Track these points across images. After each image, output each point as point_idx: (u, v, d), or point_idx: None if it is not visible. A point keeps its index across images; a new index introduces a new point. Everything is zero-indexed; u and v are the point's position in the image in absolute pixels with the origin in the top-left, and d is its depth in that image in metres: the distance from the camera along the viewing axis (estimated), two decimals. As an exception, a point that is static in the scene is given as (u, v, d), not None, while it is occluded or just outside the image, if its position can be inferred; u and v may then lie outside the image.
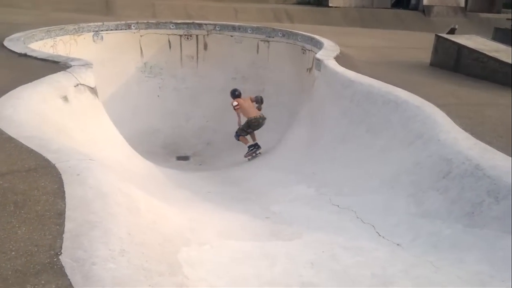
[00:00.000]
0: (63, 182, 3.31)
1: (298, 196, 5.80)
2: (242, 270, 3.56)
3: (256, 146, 8.96)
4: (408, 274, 3.57)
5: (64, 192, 3.19)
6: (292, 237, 4.45)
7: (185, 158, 9.69)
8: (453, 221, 4.08)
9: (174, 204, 4.80)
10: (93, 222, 2.90)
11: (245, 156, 8.93)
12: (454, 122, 5.40)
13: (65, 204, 3.04)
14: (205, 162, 9.49)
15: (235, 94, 9.41)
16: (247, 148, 8.99)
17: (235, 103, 9.10)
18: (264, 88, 11.35)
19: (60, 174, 3.43)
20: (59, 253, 2.55)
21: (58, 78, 6.03)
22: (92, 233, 2.79)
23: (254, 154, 8.90)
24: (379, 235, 4.30)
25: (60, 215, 2.93)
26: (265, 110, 10.96)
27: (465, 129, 5.19)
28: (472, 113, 5.91)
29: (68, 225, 2.82)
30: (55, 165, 3.57)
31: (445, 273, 3.50)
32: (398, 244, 4.07)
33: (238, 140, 9.12)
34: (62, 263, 2.48)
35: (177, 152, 9.92)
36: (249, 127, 8.97)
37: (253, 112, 9.00)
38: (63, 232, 2.76)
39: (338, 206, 5.16)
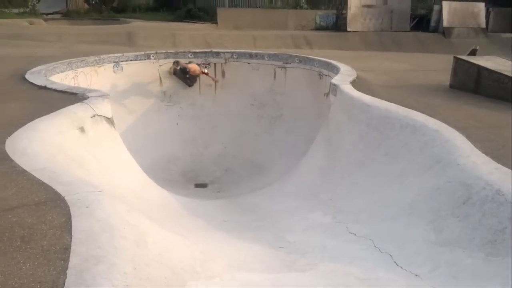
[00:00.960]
0: (71, 215, 3.31)
1: (313, 224, 5.67)
2: (251, 304, 3.46)
3: None
4: (426, 307, 3.41)
5: (71, 225, 3.18)
6: (306, 268, 4.32)
7: (203, 185, 9.67)
8: (474, 250, 3.91)
9: (185, 234, 4.74)
10: (98, 256, 2.87)
11: None
12: (474, 145, 5.24)
13: (71, 238, 3.02)
14: (223, 189, 9.45)
15: None
16: None
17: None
18: (282, 113, 11.36)
19: (69, 207, 3.43)
20: (61, 290, 2.52)
21: (75, 110, 6.13)
22: (97, 268, 2.75)
23: None
24: (397, 265, 4.15)
25: (66, 249, 2.90)
26: (283, 135, 10.96)
27: (486, 153, 5.02)
28: (492, 135, 5.73)
29: (73, 260, 2.79)
30: (65, 197, 3.58)
31: (466, 306, 3.32)
32: (416, 275, 3.91)
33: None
34: (64, 301, 2.45)
35: (196, 180, 9.92)
36: None
37: None
38: (67, 267, 2.72)
39: (355, 234, 5.02)
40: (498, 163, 4.70)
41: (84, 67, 10.10)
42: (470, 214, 4.20)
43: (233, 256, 4.51)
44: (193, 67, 10.73)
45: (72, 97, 6.88)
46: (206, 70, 11.00)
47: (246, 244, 5.01)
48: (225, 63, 11.90)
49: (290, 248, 4.90)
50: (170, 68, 10.69)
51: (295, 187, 7.54)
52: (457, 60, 9.03)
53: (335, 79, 8.52)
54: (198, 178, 10.02)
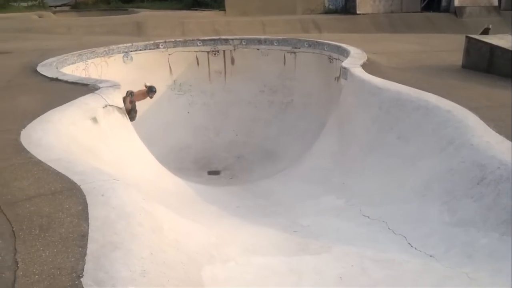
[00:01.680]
0: (87, 204, 3.36)
1: (327, 208, 5.69)
2: (267, 287, 3.49)
3: None
4: (442, 287, 3.41)
5: (87, 213, 3.23)
6: (321, 251, 4.35)
7: (216, 172, 9.72)
8: (489, 230, 3.89)
9: (200, 220, 4.79)
10: (115, 243, 2.92)
11: None
12: (488, 125, 5.19)
13: (88, 225, 3.08)
14: (236, 175, 9.49)
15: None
16: None
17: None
18: (293, 99, 11.33)
19: (85, 196, 3.48)
20: (81, 276, 2.58)
21: (87, 100, 6.18)
22: (114, 254, 2.80)
23: None
24: (411, 246, 4.15)
25: (83, 237, 2.96)
26: (294, 121, 10.93)
27: (499, 132, 4.97)
28: (506, 115, 5.65)
29: (91, 247, 2.84)
30: (80, 186, 3.63)
31: (481, 285, 3.33)
32: (431, 256, 3.91)
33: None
34: (83, 286, 2.50)
35: (208, 167, 9.97)
36: None
37: None
38: (85, 254, 2.78)
39: (368, 217, 5.02)
40: (512, 142, 4.65)
41: (94, 58, 10.16)
42: (485, 194, 4.17)
43: (248, 241, 4.55)
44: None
45: (84, 88, 6.94)
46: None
47: (260, 229, 5.05)
48: (234, 50, 11.86)
49: (304, 231, 4.93)
50: (126, 100, 7.69)
51: (307, 172, 7.54)
52: (469, 40, 8.88)
53: (346, 63, 8.46)
54: (211, 166, 10.08)
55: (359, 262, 3.98)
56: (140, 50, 11.17)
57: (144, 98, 8.63)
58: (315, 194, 6.32)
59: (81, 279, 2.54)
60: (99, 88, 6.84)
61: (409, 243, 4.20)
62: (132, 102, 7.92)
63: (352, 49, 9.66)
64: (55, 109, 5.72)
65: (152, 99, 11.02)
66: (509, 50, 7.93)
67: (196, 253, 3.57)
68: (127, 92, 7.80)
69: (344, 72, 8.09)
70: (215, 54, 11.77)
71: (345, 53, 9.62)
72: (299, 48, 11.40)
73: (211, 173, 9.70)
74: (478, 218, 4.06)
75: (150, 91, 8.63)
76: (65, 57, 9.47)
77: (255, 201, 6.74)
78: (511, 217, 3.82)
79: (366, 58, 8.97)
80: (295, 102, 11.22)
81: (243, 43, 11.89)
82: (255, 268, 3.82)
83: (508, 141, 4.68)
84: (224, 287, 3.24)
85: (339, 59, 9.81)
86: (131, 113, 7.66)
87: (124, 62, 10.87)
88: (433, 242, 4.08)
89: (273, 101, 11.56)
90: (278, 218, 5.53)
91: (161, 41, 11.56)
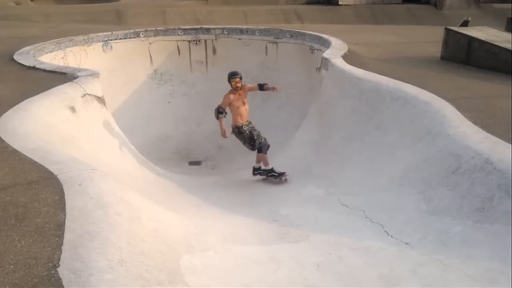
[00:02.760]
0: (64, 193, 3.34)
1: (307, 198, 5.75)
2: (246, 275, 3.53)
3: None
4: (416, 273, 3.49)
5: (64, 203, 3.21)
6: (299, 240, 4.40)
7: (197, 163, 9.69)
8: (463, 218, 3.99)
9: (180, 210, 4.80)
10: (92, 232, 2.91)
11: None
12: (464, 116, 5.29)
13: (65, 215, 3.06)
14: (217, 166, 9.48)
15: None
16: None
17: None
18: (275, 89, 11.32)
19: (62, 185, 3.46)
20: (57, 265, 2.56)
21: (65, 89, 6.09)
22: (91, 243, 2.79)
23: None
24: (388, 234, 4.23)
25: (60, 226, 2.94)
26: (276, 111, 10.93)
27: (475, 123, 5.08)
28: (482, 106, 5.77)
29: (67, 237, 2.83)
30: (57, 176, 3.60)
31: (454, 271, 3.41)
32: (406, 243, 3.99)
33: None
34: (60, 275, 2.49)
35: (190, 158, 9.93)
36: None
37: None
38: (62, 243, 2.77)
39: (347, 206, 5.09)
40: (487, 132, 4.75)
41: (73, 46, 9.98)
42: (460, 183, 4.26)
43: (228, 230, 4.57)
44: None
45: (62, 77, 6.83)
46: None
47: (241, 219, 5.07)
48: (215, 39, 11.78)
49: (283, 221, 4.98)
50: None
51: (288, 162, 7.58)
52: (448, 32, 9.00)
53: (327, 53, 8.49)
54: (192, 156, 10.04)
55: (336, 250, 4.04)
56: (120, 39, 11.01)
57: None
58: (296, 183, 6.37)
59: (57, 269, 2.53)
60: (78, 77, 6.75)
61: (385, 231, 4.27)
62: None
63: (333, 40, 9.69)
64: (32, 98, 5.63)
65: (132, 89, 10.98)
66: (486, 42, 8.07)
67: (175, 242, 3.58)
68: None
69: (325, 62, 8.13)
70: (196, 44, 11.68)
71: (326, 44, 9.65)
72: (281, 38, 11.38)
73: (192, 163, 9.66)
74: (453, 206, 4.15)
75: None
76: (42, 45, 9.29)
77: (236, 191, 6.75)
78: (484, 205, 3.92)
79: (347, 49, 9.02)
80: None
81: (225, 32, 11.81)
82: (234, 256, 3.84)
83: (483, 131, 4.78)
84: (203, 276, 3.26)
85: (320, 49, 9.83)
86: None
87: (103, 51, 10.70)
88: (409, 230, 4.16)
89: (255, 92, 11.50)
90: (258, 207, 5.56)
91: (141, 30, 11.41)
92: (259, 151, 6.93)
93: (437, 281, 3.34)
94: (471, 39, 8.38)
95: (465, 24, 10.74)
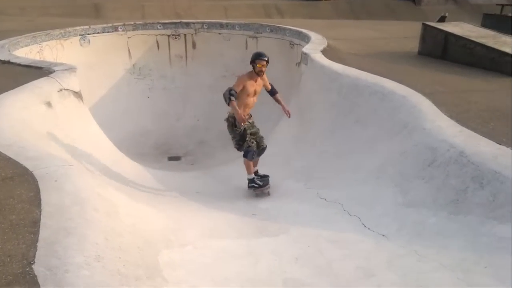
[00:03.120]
0: (39, 190, 3.29)
1: (286, 191, 5.78)
2: (224, 269, 3.54)
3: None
4: (392, 264, 3.56)
5: (40, 199, 3.17)
6: (278, 233, 4.43)
7: (176, 158, 9.65)
8: (438, 209, 4.07)
9: (159, 205, 4.78)
10: (68, 229, 2.88)
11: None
12: (440, 110, 5.38)
13: (40, 211, 3.02)
14: (197, 161, 9.46)
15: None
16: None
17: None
18: (255, 84, 11.32)
19: (37, 181, 3.41)
20: (32, 262, 2.53)
21: (41, 84, 5.98)
22: (67, 240, 2.77)
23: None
24: (365, 226, 4.29)
25: (35, 223, 2.90)
26: (256, 106, 10.91)
27: (451, 117, 5.17)
28: (458, 100, 5.88)
29: (43, 233, 2.79)
30: (33, 172, 3.55)
31: (429, 261, 3.48)
32: (383, 235, 4.06)
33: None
34: (35, 272, 2.46)
35: (169, 153, 9.88)
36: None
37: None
38: (37, 240, 2.73)
39: (325, 199, 5.14)
40: (462, 126, 4.85)
41: (49, 40, 9.79)
42: (435, 176, 4.35)
43: (207, 225, 4.57)
44: None
45: (38, 71, 6.70)
46: None
47: (220, 213, 5.08)
48: (195, 33, 11.70)
49: (263, 215, 5.01)
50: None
51: (268, 156, 7.59)
52: (425, 27, 9.13)
53: (306, 48, 8.52)
54: (171, 151, 9.98)
55: (315, 243, 4.08)
56: (98, 33, 10.84)
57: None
58: (275, 177, 6.38)
59: (33, 266, 2.50)
60: (54, 71, 6.62)
61: (363, 224, 4.34)
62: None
63: (313, 35, 9.73)
64: (6, 93, 5.51)
65: (111, 83, 10.83)
66: (462, 37, 8.21)
67: (153, 237, 3.57)
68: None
69: (305, 57, 8.16)
70: (176, 38, 11.59)
71: (306, 39, 9.68)
72: (261, 33, 11.37)
73: (171, 158, 9.61)
74: (429, 198, 4.24)
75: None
76: (18, 39, 9.08)
77: (216, 185, 6.75)
78: (458, 197, 4.01)
79: (326, 44, 9.06)
80: (257, 87, 11.22)
81: (205, 27, 11.74)
82: (213, 251, 3.85)
83: (458, 125, 4.88)
84: (181, 270, 3.26)
85: (300, 44, 9.86)
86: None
87: (81, 45, 10.53)
88: (386, 222, 4.23)
89: (235, 86, 11.51)
90: (238, 202, 5.58)
91: (120, 24, 11.25)
92: (244, 155, 5.97)
93: (413, 271, 3.41)
94: (447, 35, 8.51)
95: (442, 19, 10.94)
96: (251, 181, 5.98)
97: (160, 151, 9.89)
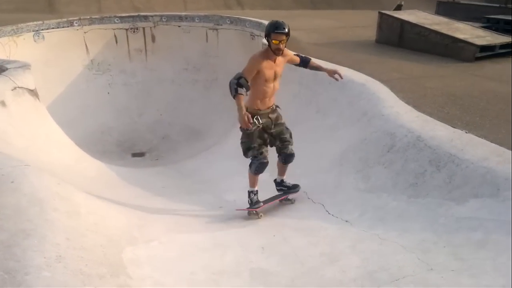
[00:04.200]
0: (-5, 192, 3.18)
1: (251, 182, 5.79)
2: (192, 263, 3.54)
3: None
4: (355, 249, 3.65)
5: (-4, 202, 3.06)
6: (245, 224, 4.46)
7: (140, 154, 9.50)
8: (398, 193, 4.20)
9: (123, 202, 4.71)
10: (27, 230, 2.80)
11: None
12: (398, 96, 5.53)
13: (-3, 214, 2.93)
14: (162, 156, 9.34)
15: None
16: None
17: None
18: (217, 77, 11.23)
19: (-8, 183, 3.29)
20: (-11, 267, 2.45)
21: (-7, 83, 5.76)
22: (26, 242, 2.69)
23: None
24: (329, 213, 4.37)
25: (-8, 226, 2.81)
26: (219, 99, 10.89)
27: (408, 103, 5.33)
28: (414, 86, 6.06)
29: (0, 236, 2.71)
30: (-13, 174, 3.42)
31: (390, 244, 3.59)
32: (346, 221, 4.15)
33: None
34: (-7, 276, 2.39)
35: (132, 149, 9.70)
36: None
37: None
38: (-6, 244, 2.65)
39: (290, 188, 5.19)
40: (419, 111, 5.01)
41: (1, 37, 9.40)
42: (394, 161, 4.48)
43: (173, 220, 4.55)
44: None
45: (-11, 69, 6.44)
46: None
47: (186, 207, 5.06)
48: (154, 27, 11.49)
49: (229, 207, 5.01)
50: None
51: (232, 149, 7.53)
52: (381, 15, 9.32)
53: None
54: (135, 148, 9.81)
55: (280, 232, 4.14)
56: (53, 28, 10.48)
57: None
58: (240, 170, 6.34)
59: (-10, 270, 2.42)
60: (7, 69, 6.38)
61: (327, 211, 4.42)
62: None
63: (273, 26, 9.73)
64: (-45, 93, 5.28)
65: (69, 80, 10.51)
66: (417, 24, 8.43)
67: (117, 235, 3.52)
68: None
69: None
70: (134, 32, 11.35)
71: (266, 30, 9.68)
72: (221, 25, 11.29)
73: (135, 155, 9.46)
74: (389, 183, 4.36)
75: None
76: (-34, 37, 8.70)
77: (181, 180, 6.70)
78: (417, 180, 4.14)
79: (286, 34, 9.09)
80: (219, 80, 11.12)
81: (164, 19, 11.55)
82: (179, 245, 3.83)
83: (415, 111, 5.03)
84: (147, 267, 3.23)
85: (260, 36, 9.84)
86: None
87: (35, 41, 10.16)
88: (348, 209, 4.33)
89: (197, 80, 11.40)
90: (204, 195, 5.56)
91: (75, 18, 10.91)
92: (250, 165, 4.80)
93: (375, 254, 3.50)
94: (403, 22, 8.73)
95: (398, 8, 11.19)
96: (248, 193, 4.80)
97: (123, 147, 9.71)
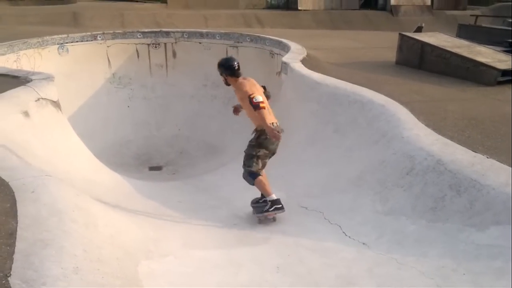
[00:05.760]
0: (16, 201, 3.22)
1: (267, 200, 5.77)
2: (205, 279, 3.52)
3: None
4: (372, 272, 3.59)
5: (16, 211, 3.10)
6: (260, 242, 4.43)
7: (158, 168, 9.57)
8: (417, 217, 4.13)
9: (139, 216, 4.73)
10: (45, 240, 2.82)
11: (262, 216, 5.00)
12: (418, 118, 5.48)
13: (17, 223, 2.96)
14: (179, 171, 9.39)
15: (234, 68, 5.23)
16: (263, 203, 4.98)
17: (259, 97, 4.84)
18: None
19: (13, 192, 3.34)
20: (8, 275, 2.47)
21: (18, 93, 5.89)
22: (44, 252, 2.71)
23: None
24: (346, 235, 4.32)
25: (11, 235, 2.84)
26: (237, 116, 10.94)
27: (428, 125, 5.28)
28: (435, 109, 6.00)
29: (19, 245, 2.73)
30: (9, 183, 3.48)
31: (409, 269, 3.53)
32: (364, 243, 4.09)
33: (254, 184, 5.05)
34: (11, 285, 2.40)
35: (150, 163, 9.79)
36: (268, 149, 5.08)
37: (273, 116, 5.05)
38: (13, 252, 2.67)
39: (306, 208, 5.16)
40: (439, 134, 4.95)
41: (26, 49, 9.65)
42: (414, 184, 4.42)
43: (188, 235, 4.54)
44: None
45: (14, 80, 6.60)
46: None
47: (201, 223, 5.05)
48: (175, 42, 11.69)
49: (243, 224, 4.99)
50: None
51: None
52: (402, 37, 9.31)
53: (286, 58, 8.59)
54: (152, 161, 9.90)
55: (296, 252, 4.09)
56: (77, 41, 10.74)
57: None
58: (255, 187, 6.40)
59: (9, 279, 2.44)
60: (31, 80, 6.53)
61: (343, 232, 4.37)
62: None
63: (293, 45, 9.81)
64: (-18, 102, 5.41)
65: (90, 93, 10.70)
66: (438, 47, 8.40)
67: (133, 248, 3.53)
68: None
69: (285, 67, 8.22)
70: (156, 47, 11.55)
71: (285, 48, 9.76)
72: (241, 42, 11.42)
73: (152, 168, 9.53)
74: (407, 206, 4.30)
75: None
76: (-6, 48, 8.95)
77: (197, 195, 6.71)
78: (437, 204, 4.08)
79: (306, 53, 9.15)
80: (237, 97, 11.24)
81: (185, 36, 11.75)
82: (194, 261, 3.82)
83: (435, 133, 4.98)
84: (162, 281, 3.23)
85: (280, 54, 9.93)
86: None
87: (59, 54, 10.41)
88: (366, 231, 4.27)
89: (216, 96, 11.49)
90: (219, 211, 5.55)
91: (99, 32, 11.18)
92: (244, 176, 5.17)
93: (392, 279, 3.44)
94: (423, 45, 8.70)
95: (419, 30, 11.16)
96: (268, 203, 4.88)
97: (141, 161, 9.80)
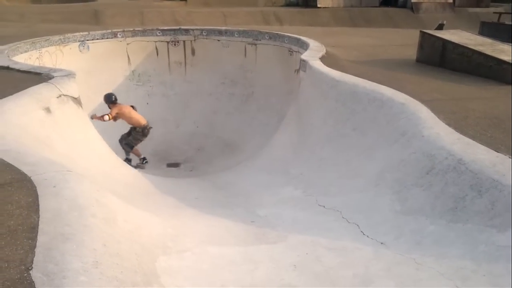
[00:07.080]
0: (38, 195, 3.28)
1: (284, 198, 5.77)
2: (222, 276, 3.53)
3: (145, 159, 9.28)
4: (390, 272, 3.55)
5: (38, 205, 3.16)
6: (277, 240, 4.42)
7: (175, 164, 9.65)
8: (436, 217, 4.07)
9: (157, 211, 4.77)
10: (66, 234, 2.87)
11: (137, 167, 8.80)
12: (438, 117, 5.39)
13: (38, 217, 3.01)
14: (196, 168, 9.46)
15: (112, 100, 8.84)
16: (138, 160, 9.21)
17: (114, 111, 8.58)
18: (253, 91, 11.35)
19: (36, 187, 3.40)
20: (30, 268, 2.52)
21: (40, 90, 5.99)
22: (65, 246, 2.76)
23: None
24: (363, 234, 4.28)
25: (33, 229, 2.89)
26: (254, 113, 10.96)
27: (449, 124, 5.18)
28: (456, 107, 5.90)
29: (41, 239, 2.78)
30: (31, 178, 3.54)
31: (427, 269, 3.47)
32: (382, 243, 4.05)
33: (130, 152, 9.07)
34: (33, 278, 2.45)
35: (168, 159, 9.88)
36: (144, 135, 9.09)
37: (144, 119, 9.02)
38: (35, 246, 2.72)
39: (324, 206, 5.14)
40: (460, 133, 4.86)
41: (48, 46, 9.83)
42: (433, 184, 4.35)
43: (205, 231, 4.57)
44: None
45: (37, 77, 6.72)
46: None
47: (218, 220, 5.07)
48: (194, 40, 11.76)
49: (261, 222, 4.99)
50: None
51: (266, 163, 7.61)
52: (423, 35, 9.18)
53: (305, 55, 8.56)
54: (170, 158, 9.99)
55: (313, 251, 4.07)
56: (97, 39, 10.90)
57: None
58: (274, 184, 6.39)
59: (30, 272, 2.49)
60: (53, 77, 6.64)
61: (361, 231, 4.33)
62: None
63: (312, 42, 9.77)
64: (5, 98, 5.51)
65: (110, 89, 10.81)
66: (460, 45, 8.25)
67: (151, 244, 3.56)
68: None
69: (303, 64, 8.19)
70: (175, 45, 11.64)
71: (304, 46, 9.73)
72: (260, 40, 11.43)
73: (170, 165, 9.62)
74: (427, 206, 4.23)
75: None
76: (17, 45, 9.12)
77: (214, 192, 6.74)
78: (457, 205, 4.01)
79: (325, 51, 9.10)
80: (255, 94, 11.26)
81: (204, 33, 11.80)
82: (211, 258, 3.84)
83: (456, 132, 4.89)
84: (179, 277, 3.25)
85: (299, 51, 9.91)
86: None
87: (80, 51, 10.58)
88: (384, 230, 4.22)
89: (234, 93, 11.56)
90: (236, 208, 5.56)
91: (119, 30, 11.32)
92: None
93: (410, 279, 3.40)
94: (445, 42, 8.56)
95: (440, 27, 11.00)
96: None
97: (159, 157, 9.90)
